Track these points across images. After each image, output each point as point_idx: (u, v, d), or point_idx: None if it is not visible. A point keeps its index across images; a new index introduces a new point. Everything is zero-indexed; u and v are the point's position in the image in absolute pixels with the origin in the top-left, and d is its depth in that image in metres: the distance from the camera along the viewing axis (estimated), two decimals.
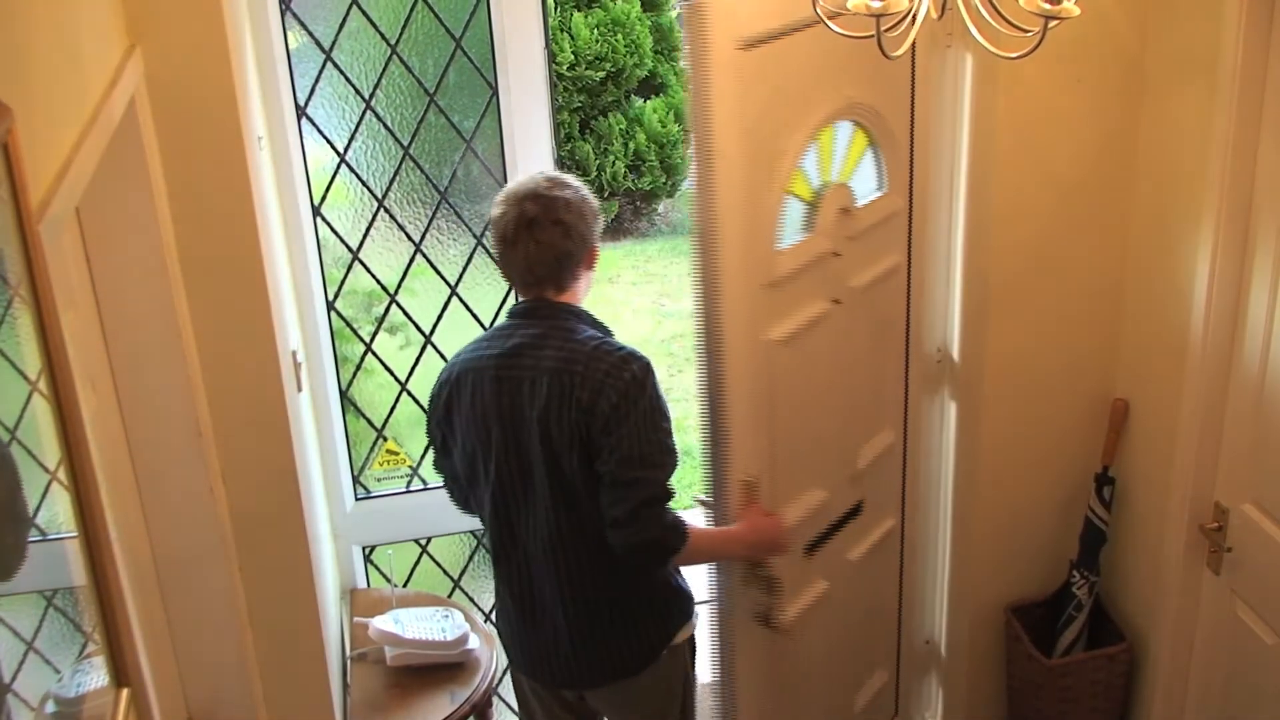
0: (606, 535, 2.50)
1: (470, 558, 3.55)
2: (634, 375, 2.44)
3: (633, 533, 2.47)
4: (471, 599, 3.58)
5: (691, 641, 2.79)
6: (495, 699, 3.45)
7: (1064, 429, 3.28)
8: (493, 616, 2.87)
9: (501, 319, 2.79)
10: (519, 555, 2.62)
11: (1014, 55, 2.16)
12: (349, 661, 3.15)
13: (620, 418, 2.43)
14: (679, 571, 2.73)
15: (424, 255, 3.24)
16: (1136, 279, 3.08)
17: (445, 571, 3.55)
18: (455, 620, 3.15)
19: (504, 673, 3.62)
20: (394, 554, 3.42)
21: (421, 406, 3.35)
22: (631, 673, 2.69)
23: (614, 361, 2.45)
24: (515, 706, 3.03)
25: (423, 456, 3.41)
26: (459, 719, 3.00)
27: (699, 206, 2.52)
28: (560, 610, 2.62)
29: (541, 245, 2.49)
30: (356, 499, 3.39)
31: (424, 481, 3.43)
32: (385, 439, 3.37)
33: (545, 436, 2.47)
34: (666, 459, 2.49)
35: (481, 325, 3.31)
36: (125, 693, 1.64)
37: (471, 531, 3.51)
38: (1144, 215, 3.02)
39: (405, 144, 3.12)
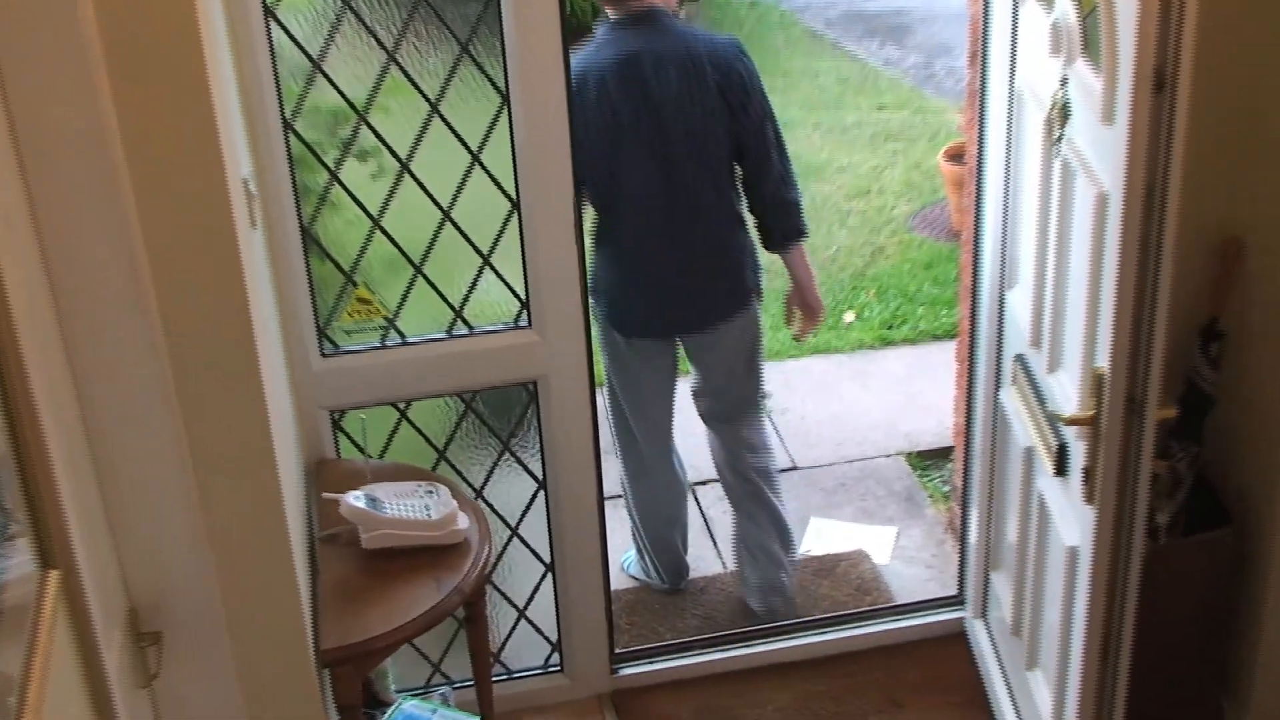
0: (756, 198, 3.86)
1: (458, 424, 3.56)
2: (746, 53, 3.74)
3: (786, 188, 3.84)
4: (459, 471, 3.60)
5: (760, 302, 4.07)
6: (489, 589, 3.49)
7: None
8: (598, 307, 3.93)
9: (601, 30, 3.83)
10: (647, 220, 3.78)
11: None
12: (316, 543, 3.18)
13: (751, 89, 3.69)
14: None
15: (399, 65, 3.19)
16: (1259, 90, 3.02)
17: (429, 440, 3.56)
18: (441, 497, 3.16)
19: (499, 558, 3.66)
20: (368, 420, 3.43)
21: (398, 246, 3.33)
22: (727, 315, 3.93)
23: (728, 42, 3.79)
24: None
25: (399, 307, 3.40)
26: (448, 610, 3.03)
27: None
28: (683, 262, 3.83)
29: None
30: (323, 354, 3.39)
31: (402, 336, 3.43)
32: (356, 285, 3.36)
33: (685, 114, 3.64)
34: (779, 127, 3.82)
35: (469, 149, 3.27)
36: (54, 575, 1.65)
37: (459, 395, 3.52)
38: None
39: None
